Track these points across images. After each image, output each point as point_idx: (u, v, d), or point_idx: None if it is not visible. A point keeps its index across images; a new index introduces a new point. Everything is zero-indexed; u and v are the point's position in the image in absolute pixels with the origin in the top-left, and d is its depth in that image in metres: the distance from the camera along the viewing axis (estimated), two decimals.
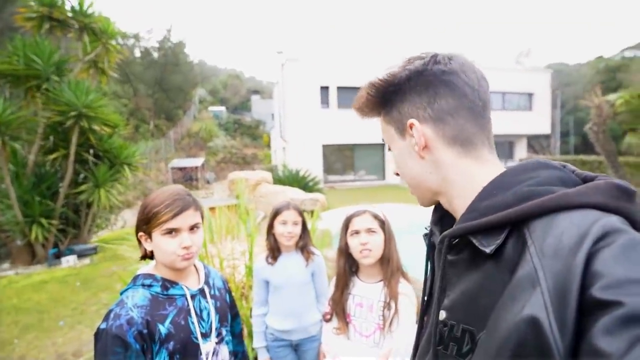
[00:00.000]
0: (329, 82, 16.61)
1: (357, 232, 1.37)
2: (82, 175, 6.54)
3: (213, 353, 1.10)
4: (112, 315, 0.97)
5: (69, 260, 5.98)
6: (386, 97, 0.62)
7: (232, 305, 1.32)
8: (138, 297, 1.01)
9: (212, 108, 31.74)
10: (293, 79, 16.32)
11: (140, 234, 1.06)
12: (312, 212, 4.60)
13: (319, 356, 1.80)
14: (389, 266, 1.36)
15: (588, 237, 0.38)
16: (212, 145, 24.62)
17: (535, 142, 21.32)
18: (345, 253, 1.43)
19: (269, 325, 1.79)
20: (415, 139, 0.58)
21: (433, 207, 0.71)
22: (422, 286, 0.70)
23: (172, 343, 1.01)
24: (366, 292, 1.38)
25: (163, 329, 1.00)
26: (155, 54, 25.85)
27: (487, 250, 0.48)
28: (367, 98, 0.63)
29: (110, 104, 7.03)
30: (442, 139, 0.57)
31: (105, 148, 6.60)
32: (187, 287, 1.10)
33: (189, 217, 1.04)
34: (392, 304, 1.30)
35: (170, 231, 1.01)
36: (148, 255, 1.09)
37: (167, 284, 1.06)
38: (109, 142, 6.68)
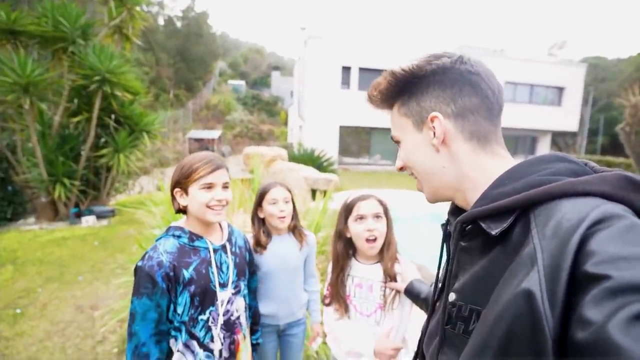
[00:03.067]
0: (351, 63, 16.25)
1: (362, 218, 1.31)
2: (103, 140, 6.71)
3: (228, 301, 1.24)
4: (147, 256, 1.12)
5: (89, 221, 6.25)
6: (406, 88, 0.62)
7: (251, 263, 1.45)
8: (168, 245, 1.16)
9: (231, 81, 31.67)
10: (315, 57, 16.04)
11: (177, 190, 1.19)
12: (324, 192, 4.64)
13: (313, 337, 1.81)
14: (389, 250, 1.34)
15: (586, 220, 0.40)
16: (229, 119, 24.73)
17: (560, 140, 20.55)
18: (344, 237, 1.38)
19: None
20: (436, 132, 0.59)
21: None
22: (424, 272, 0.72)
23: (193, 287, 1.15)
24: (365, 272, 1.36)
25: (187, 274, 1.14)
26: (179, 23, 25.76)
27: (493, 232, 0.50)
28: (386, 86, 0.63)
29: (133, 71, 7.07)
30: (460, 134, 0.59)
31: (126, 114, 6.73)
32: (211, 241, 1.23)
33: (223, 175, 1.19)
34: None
35: (207, 186, 1.15)
36: (182, 210, 1.22)
37: (193, 237, 1.20)
38: (130, 109, 6.79)
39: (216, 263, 1.22)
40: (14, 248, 4.77)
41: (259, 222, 1.65)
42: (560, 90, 18.82)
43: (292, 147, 13.45)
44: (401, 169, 0.69)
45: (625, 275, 0.34)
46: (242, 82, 31.50)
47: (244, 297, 1.33)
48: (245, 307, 1.34)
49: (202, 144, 19.14)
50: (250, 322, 1.48)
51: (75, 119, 6.37)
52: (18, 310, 3.19)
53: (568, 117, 18.90)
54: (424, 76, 0.60)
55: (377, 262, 1.36)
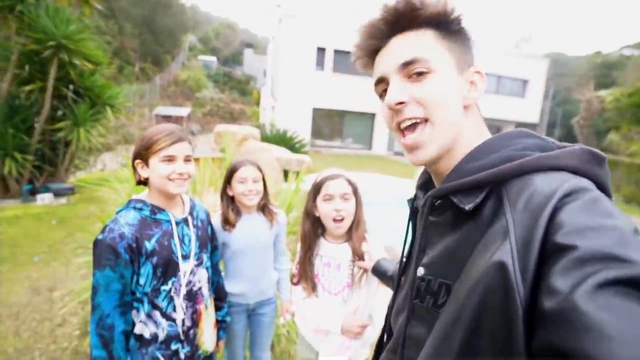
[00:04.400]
0: (327, 44, 15.99)
1: (330, 197, 1.30)
2: (60, 112, 6.23)
3: (190, 272, 1.26)
4: (107, 229, 1.11)
5: (44, 198, 5.86)
6: (461, 27, 0.58)
7: (213, 237, 1.45)
8: (130, 217, 1.15)
9: (202, 57, 30.25)
10: (289, 37, 15.62)
11: (137, 161, 1.17)
12: (297, 173, 4.61)
13: (282, 313, 1.82)
14: (357, 230, 1.34)
15: (556, 193, 0.41)
16: (199, 96, 23.75)
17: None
18: (312, 216, 1.37)
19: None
20: (480, 88, 0.58)
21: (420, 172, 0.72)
22: (394, 253, 0.73)
23: (155, 258, 1.15)
24: (333, 252, 1.37)
25: (149, 245, 1.15)
26: None
27: (466, 207, 0.50)
28: (446, 8, 0.56)
29: (93, 39, 6.54)
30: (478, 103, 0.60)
31: (86, 85, 6.26)
32: (172, 214, 1.23)
33: (184, 148, 1.17)
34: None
35: (167, 158, 1.14)
36: (142, 182, 1.21)
37: (155, 209, 1.20)
38: (91, 80, 6.33)
39: (178, 235, 1.23)
40: None
41: (228, 199, 1.62)
42: (525, 82, 19.66)
43: (265, 128, 13.21)
44: (401, 103, 0.56)
45: (591, 245, 0.35)
46: (213, 59, 30.17)
47: (207, 269, 1.36)
48: (208, 279, 1.36)
49: (170, 121, 18.28)
50: (214, 296, 1.48)
51: (27, 88, 5.85)
52: None
53: (530, 108, 19.86)
54: (467, 32, 0.59)
55: (345, 241, 1.37)
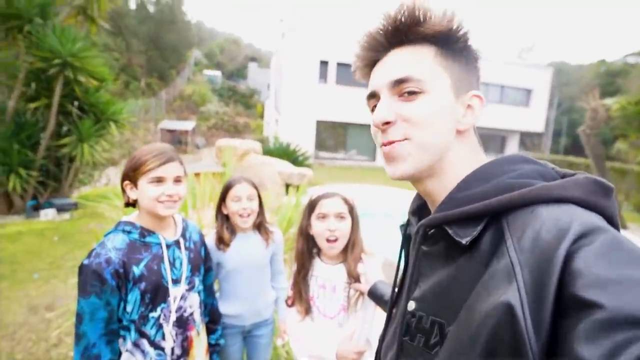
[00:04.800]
0: (329, 57, 16.16)
1: (324, 216, 1.25)
2: (65, 128, 6.30)
3: (181, 297, 1.21)
4: (93, 253, 1.07)
5: (48, 214, 5.87)
6: (465, 43, 0.53)
7: (207, 259, 1.41)
8: (117, 241, 1.11)
9: (207, 72, 30.75)
10: (292, 50, 15.83)
11: (126, 182, 1.14)
12: (297, 186, 4.58)
13: (280, 334, 1.76)
14: (353, 251, 1.29)
15: (568, 234, 0.37)
16: (204, 110, 24.03)
17: (527, 140, 21.48)
18: (306, 235, 1.33)
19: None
20: (476, 113, 0.54)
21: (413, 196, 0.67)
22: (394, 268, 0.68)
23: (144, 284, 1.11)
24: (329, 273, 1.32)
25: (137, 270, 1.10)
26: (152, 8, 24.62)
27: (463, 241, 0.46)
28: (448, 25, 0.51)
29: (100, 56, 6.66)
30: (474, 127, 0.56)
31: (91, 102, 6.34)
32: (163, 237, 1.19)
33: (174, 168, 1.14)
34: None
35: (156, 179, 1.10)
36: (131, 204, 1.17)
37: (144, 232, 1.15)
38: (96, 96, 6.41)
39: (169, 259, 1.18)
40: None
41: (222, 218, 1.58)
42: (529, 92, 19.63)
43: (268, 141, 13.28)
44: (387, 123, 0.53)
45: (617, 305, 0.31)
46: (217, 73, 30.65)
47: (199, 292, 1.31)
48: (200, 304, 1.31)
49: (175, 135, 18.51)
50: (208, 320, 1.44)
51: (33, 105, 5.94)
52: None
53: (535, 118, 19.78)
54: (470, 50, 0.55)
55: (341, 262, 1.31)
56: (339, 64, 16.26)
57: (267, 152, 9.51)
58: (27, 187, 5.87)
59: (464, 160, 0.54)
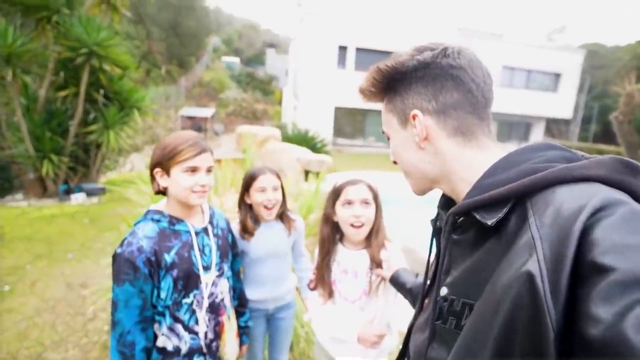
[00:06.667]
0: (348, 42, 15.88)
1: (350, 203, 1.27)
2: (92, 115, 6.54)
3: (212, 284, 1.23)
4: (125, 242, 1.08)
5: (78, 198, 6.17)
6: (391, 84, 0.62)
7: (234, 245, 1.44)
8: (148, 229, 1.12)
9: (225, 58, 30.85)
10: (311, 35, 15.62)
11: (157, 170, 1.12)
12: (317, 173, 4.61)
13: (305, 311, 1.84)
14: (377, 237, 1.31)
15: (587, 208, 0.38)
16: (223, 97, 24.24)
17: (554, 127, 20.60)
18: (331, 221, 1.34)
19: None
20: (417, 130, 0.59)
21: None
22: (414, 255, 0.71)
23: (176, 271, 1.12)
24: (351, 259, 1.34)
25: (168, 258, 1.11)
26: None
27: (489, 222, 0.48)
28: (372, 82, 0.63)
29: (123, 44, 6.82)
30: (443, 131, 0.58)
31: (115, 89, 6.53)
32: (192, 224, 1.20)
33: (208, 158, 1.14)
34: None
35: (191, 169, 1.10)
36: (161, 191, 1.17)
37: (173, 220, 1.16)
38: (120, 84, 6.59)
39: (198, 246, 1.19)
40: (1, 224, 4.70)
41: (246, 207, 1.59)
42: (557, 76, 18.71)
43: (286, 127, 13.30)
44: (395, 162, 0.70)
45: (632, 267, 0.32)
46: (236, 59, 30.70)
47: (228, 278, 1.33)
48: (230, 289, 1.35)
49: (195, 122, 18.80)
50: (237, 304, 1.49)
51: (62, 93, 6.17)
52: (6, 287, 3.17)
53: (563, 103, 18.90)
54: (406, 72, 0.59)
55: (364, 248, 1.34)
56: (358, 49, 15.96)
57: (286, 138, 9.55)
58: (59, 172, 6.16)
59: (463, 161, 0.57)
